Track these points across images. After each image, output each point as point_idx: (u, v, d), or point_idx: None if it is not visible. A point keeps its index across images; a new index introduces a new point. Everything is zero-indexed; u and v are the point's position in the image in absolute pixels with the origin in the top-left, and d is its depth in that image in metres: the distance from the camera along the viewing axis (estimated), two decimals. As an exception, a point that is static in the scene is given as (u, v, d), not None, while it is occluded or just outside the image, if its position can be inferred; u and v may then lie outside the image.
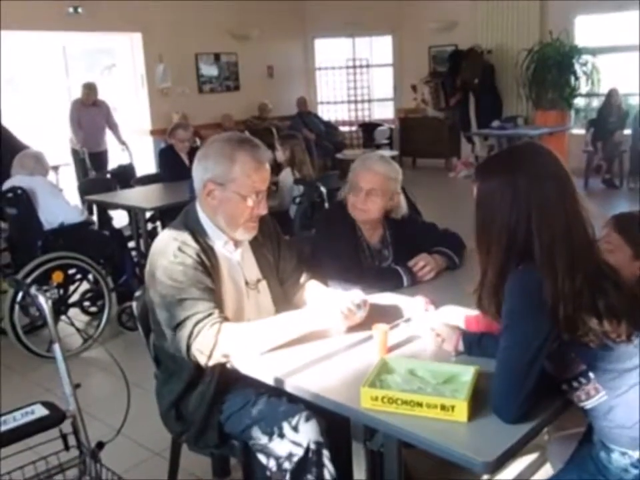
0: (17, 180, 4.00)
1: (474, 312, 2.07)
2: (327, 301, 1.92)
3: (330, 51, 11.33)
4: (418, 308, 2.07)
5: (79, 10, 7.69)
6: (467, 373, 1.55)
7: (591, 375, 1.48)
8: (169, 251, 1.90)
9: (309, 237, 2.72)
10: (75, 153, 7.51)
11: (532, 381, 1.41)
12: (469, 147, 10.17)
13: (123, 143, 7.73)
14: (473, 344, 1.75)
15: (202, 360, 1.82)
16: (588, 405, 1.52)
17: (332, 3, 10.10)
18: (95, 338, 4.04)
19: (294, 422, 1.85)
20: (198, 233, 1.98)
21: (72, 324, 4.00)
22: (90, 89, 7.48)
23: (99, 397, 3.46)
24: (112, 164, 7.63)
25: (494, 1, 9.46)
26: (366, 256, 2.55)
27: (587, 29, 9.19)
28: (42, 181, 4.05)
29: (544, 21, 9.23)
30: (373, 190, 2.45)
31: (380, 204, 2.49)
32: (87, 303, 4.42)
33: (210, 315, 1.83)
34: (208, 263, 1.93)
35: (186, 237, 1.94)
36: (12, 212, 3.91)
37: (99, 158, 7.59)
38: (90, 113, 7.51)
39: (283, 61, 10.43)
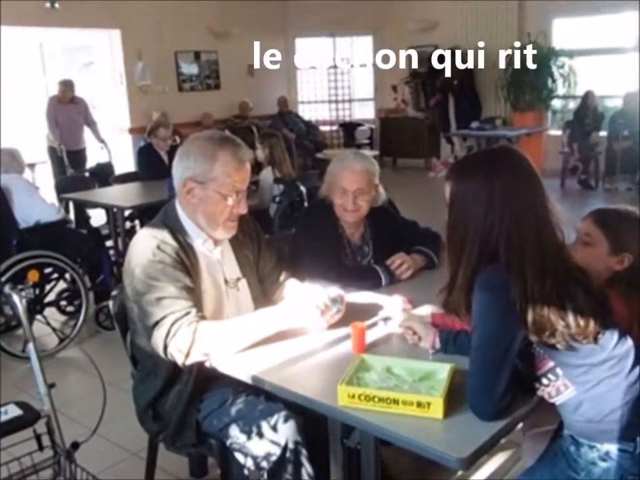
0: (-6, 177, 3.94)
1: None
2: (303, 296, 1.92)
3: (311, 50, 11.32)
4: (396, 307, 2.08)
5: (56, 5, 7.59)
6: (442, 371, 1.56)
7: (559, 371, 1.50)
8: (148, 249, 1.89)
9: (288, 236, 2.71)
10: (52, 150, 7.43)
11: (504, 379, 1.43)
12: (448, 147, 10.24)
13: (101, 140, 7.67)
14: (449, 342, 1.77)
15: (179, 359, 1.81)
16: (558, 400, 1.54)
17: (313, 2, 10.10)
18: (72, 338, 4.00)
19: (272, 421, 1.85)
20: (177, 231, 1.97)
21: (48, 323, 3.98)
22: (66, 85, 7.40)
23: (75, 397, 3.43)
24: (90, 162, 7.57)
25: (473, 2, 9.52)
26: (346, 253, 2.55)
27: (564, 32, 9.30)
28: (17, 178, 4.00)
29: (522, 24, 9.33)
30: (360, 189, 2.45)
31: (368, 199, 2.50)
32: (63, 303, 4.38)
33: (187, 313, 1.82)
34: (187, 262, 1.92)
35: (165, 235, 1.93)
36: (-14, 210, 3.85)
37: (77, 156, 7.51)
38: (67, 111, 7.42)
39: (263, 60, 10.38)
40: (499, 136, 8.90)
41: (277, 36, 10.51)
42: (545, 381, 1.53)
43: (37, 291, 4.03)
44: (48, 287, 4.18)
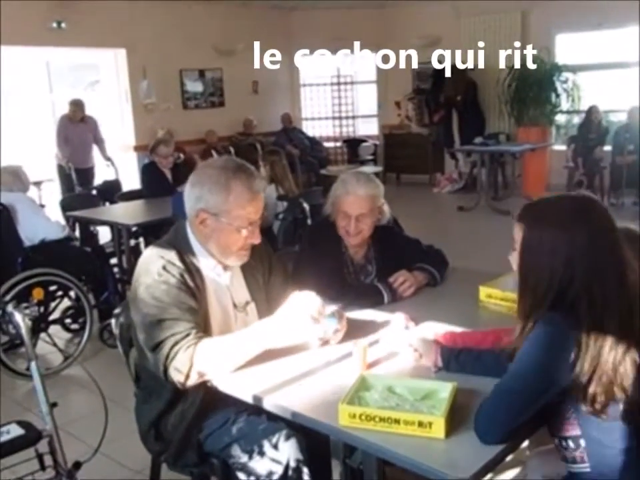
0: (-2, 195, 3.97)
1: (453, 328, 2.09)
2: (295, 305, 1.86)
3: (315, 67, 11.39)
4: (398, 324, 2.07)
5: (63, 25, 7.67)
6: (444, 390, 1.55)
7: (583, 443, 1.46)
8: (153, 269, 1.89)
9: (292, 253, 2.71)
10: (60, 168, 7.47)
11: (522, 419, 1.42)
12: (452, 162, 10.26)
13: (108, 158, 7.71)
14: (451, 360, 1.76)
15: (179, 380, 1.81)
16: (571, 469, 1.51)
17: (316, 18, 10.19)
18: (76, 356, 4.00)
19: (274, 440, 1.84)
20: (185, 252, 1.96)
21: (52, 341, 3.98)
22: (77, 105, 7.45)
23: (79, 416, 3.42)
24: (98, 180, 7.61)
25: (476, 18, 9.58)
26: (349, 272, 2.55)
27: (567, 47, 9.35)
28: (21, 197, 4.02)
29: (525, 39, 9.37)
30: (362, 214, 2.45)
31: (371, 223, 2.50)
32: (68, 320, 4.38)
33: (187, 335, 1.82)
34: (192, 284, 1.91)
35: (172, 255, 1.92)
36: (-8, 228, 3.87)
37: (86, 174, 7.56)
38: (77, 130, 7.47)
39: (267, 77, 10.46)
40: (503, 151, 8.92)
41: (281, 53, 10.56)
42: (563, 442, 1.49)
43: (42, 309, 4.04)
44: (53, 305, 4.20)
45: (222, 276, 2.03)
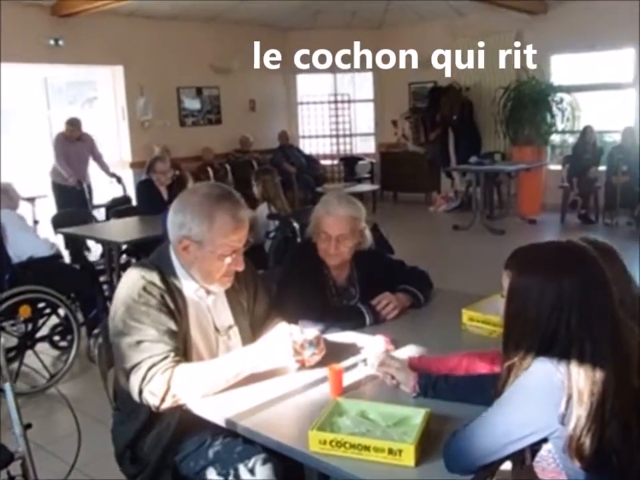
0: (-17, 213, 3.97)
1: (432, 352, 2.08)
2: (278, 337, 1.88)
3: (312, 85, 11.47)
4: (378, 348, 2.05)
5: (60, 42, 7.72)
6: (417, 416, 1.54)
7: None
8: (134, 289, 1.88)
9: (267, 275, 2.70)
10: (56, 186, 7.41)
11: (496, 457, 1.39)
12: (448, 181, 10.28)
13: (112, 174, 7.69)
14: (429, 388, 1.74)
15: (154, 403, 1.79)
16: None
17: (313, 38, 10.26)
18: (62, 374, 3.97)
19: (250, 464, 1.82)
20: (167, 274, 1.95)
21: (39, 359, 3.96)
22: (73, 125, 7.42)
23: (62, 435, 3.37)
24: (100, 197, 7.60)
25: (471, 39, 9.65)
26: (332, 294, 2.53)
27: (562, 68, 9.41)
28: (9, 214, 4.01)
29: (520, 60, 9.42)
30: (342, 235, 2.44)
31: (350, 245, 2.48)
32: (56, 337, 4.36)
33: (165, 358, 1.80)
34: (172, 306, 1.90)
35: (154, 276, 1.91)
36: (-21, 245, 3.87)
37: (83, 192, 7.53)
38: (75, 148, 7.45)
39: (265, 95, 10.53)
40: (498, 171, 8.94)
41: (277, 71, 10.64)
42: None
43: (30, 326, 4.02)
44: (40, 322, 4.17)
45: (204, 299, 2.02)
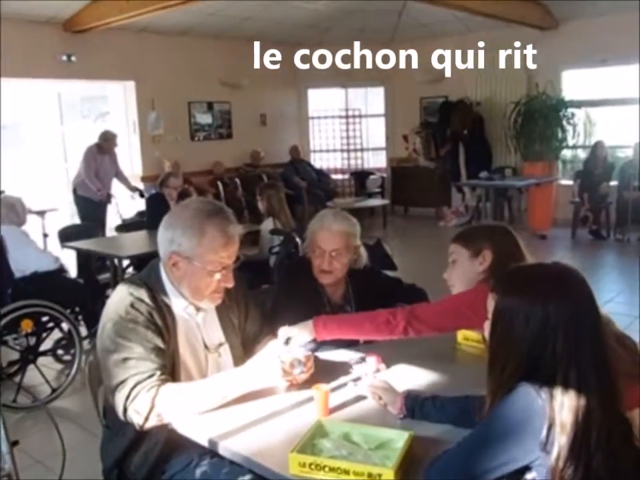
0: (-12, 227, 4.00)
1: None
2: (267, 358, 1.87)
3: (323, 100, 11.51)
4: (368, 367, 2.03)
5: (72, 58, 7.82)
6: (400, 439, 1.51)
7: None
8: (121, 306, 1.88)
9: (270, 290, 2.69)
10: (82, 199, 7.38)
11: None
12: (459, 196, 10.23)
13: (134, 189, 7.71)
14: (416, 409, 1.72)
15: (138, 422, 1.78)
16: None
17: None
18: (64, 388, 3.97)
19: (236, 485, 1.80)
20: (156, 290, 1.94)
21: (40, 373, 3.97)
22: (108, 138, 7.48)
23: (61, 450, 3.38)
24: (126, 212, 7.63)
25: (482, 54, 9.65)
26: (327, 312, 2.50)
27: (573, 83, 9.36)
28: (12, 230, 4.03)
29: (531, 75, 9.40)
30: (336, 250, 2.44)
31: (345, 262, 2.48)
32: (60, 351, 4.37)
33: (151, 376, 1.79)
34: (160, 323, 1.89)
35: (142, 293, 1.91)
36: (-17, 259, 3.89)
37: (103, 207, 7.56)
38: (104, 161, 7.49)
39: (276, 110, 10.58)
40: (508, 186, 8.89)
41: (289, 86, 10.71)
42: None
43: (32, 340, 4.03)
44: (44, 336, 4.18)
45: (194, 316, 2.01)
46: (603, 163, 8.38)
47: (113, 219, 7.57)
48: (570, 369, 1.31)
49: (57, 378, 4.28)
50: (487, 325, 1.46)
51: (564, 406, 1.28)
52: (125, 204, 7.89)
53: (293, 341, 1.93)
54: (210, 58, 9.30)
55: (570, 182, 8.99)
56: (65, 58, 7.78)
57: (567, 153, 9.61)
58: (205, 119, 9.68)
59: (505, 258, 1.98)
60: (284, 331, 1.98)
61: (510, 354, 1.36)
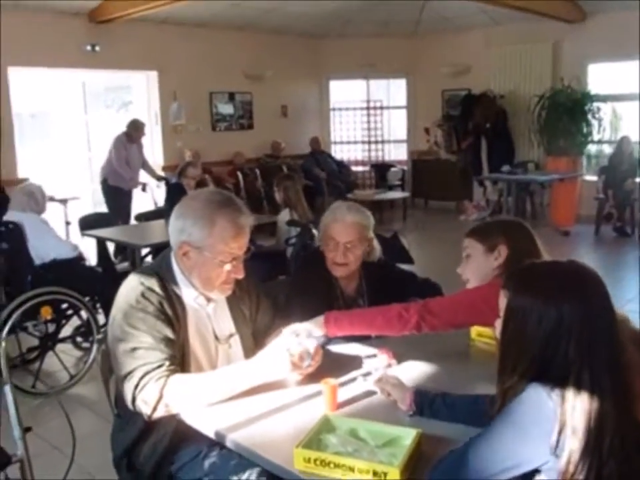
0: (10, 215, 4.05)
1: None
2: (276, 351, 1.86)
3: (345, 91, 11.46)
4: (380, 362, 2.02)
5: (97, 48, 7.87)
6: (408, 437, 1.49)
7: None
8: (132, 295, 1.88)
9: (284, 283, 2.68)
10: (112, 188, 7.33)
11: None
12: (480, 190, 10.13)
13: (160, 177, 7.69)
14: (425, 406, 1.70)
15: (146, 412, 1.79)
16: None
17: (347, 45, 10.27)
18: (82, 375, 4.02)
19: (244, 477, 1.79)
20: (167, 280, 1.94)
21: (59, 359, 4.02)
22: (138, 127, 7.49)
23: (80, 436, 3.40)
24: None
25: (507, 47, 9.54)
26: (340, 305, 2.50)
27: (599, 77, 9.19)
28: (32, 217, 4.08)
29: (556, 68, 9.27)
30: (351, 242, 2.42)
31: (359, 254, 2.46)
32: (79, 339, 4.42)
33: (160, 366, 1.80)
34: (171, 313, 1.89)
35: (153, 282, 1.91)
36: (4, 246, 3.94)
37: (129, 196, 7.57)
38: (132, 151, 7.51)
39: (297, 101, 10.55)
40: (530, 180, 8.78)
41: (310, 78, 10.68)
42: None
43: (52, 327, 4.08)
44: (63, 323, 4.24)
45: (204, 307, 2.01)
46: (629, 158, 8.23)
47: (145, 208, 7.53)
48: (583, 370, 1.27)
49: (76, 365, 4.33)
50: (498, 323, 1.43)
51: (576, 409, 1.25)
52: (156, 192, 7.92)
53: (302, 335, 1.92)
54: (232, 49, 9.29)
55: (594, 178, 8.84)
56: (89, 48, 7.83)
57: (591, 148, 9.44)
58: (226, 109, 9.69)
59: (520, 253, 1.95)
60: (294, 327, 1.97)
61: (521, 354, 1.33)
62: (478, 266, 2.04)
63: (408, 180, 11.00)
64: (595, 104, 8.78)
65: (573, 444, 1.25)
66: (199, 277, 1.94)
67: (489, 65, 9.78)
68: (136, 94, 9.22)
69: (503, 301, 1.41)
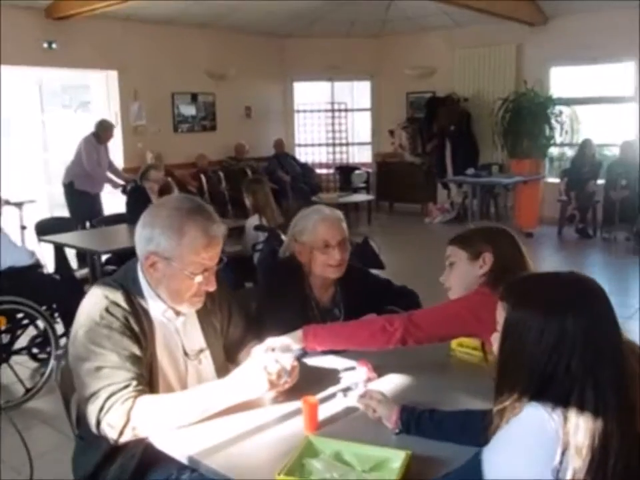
0: (-39, 221, 3.85)
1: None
2: (252, 368, 1.75)
3: (309, 93, 11.38)
4: (359, 376, 1.92)
5: (54, 46, 7.62)
6: (397, 459, 1.40)
7: None
8: (96, 310, 1.75)
9: (254, 291, 2.56)
10: (77, 192, 7.05)
11: None
12: (445, 192, 10.17)
13: (129, 180, 7.33)
14: (411, 424, 1.61)
15: (112, 436, 1.66)
16: None
17: (311, 46, 10.19)
18: (39, 387, 3.83)
19: (218, 502, 1.68)
20: (133, 293, 1.81)
21: (14, 372, 3.83)
22: (107, 127, 7.25)
23: (36, 453, 3.23)
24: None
25: (471, 50, 9.59)
26: (315, 315, 2.39)
27: (562, 80, 9.32)
28: (-18, 224, 3.89)
29: (519, 71, 9.35)
30: (343, 240, 2.36)
31: (349, 250, 2.39)
32: (35, 350, 4.22)
33: (126, 386, 1.67)
34: (137, 329, 1.77)
35: (117, 296, 1.78)
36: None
37: (99, 199, 7.31)
38: (102, 152, 7.26)
39: (261, 103, 10.42)
40: (495, 183, 8.84)
41: (275, 79, 10.57)
42: None
43: (6, 338, 3.89)
44: (18, 334, 4.04)
45: (173, 321, 1.88)
46: (591, 161, 8.34)
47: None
48: (587, 387, 1.20)
49: (32, 377, 4.14)
50: (496, 338, 1.34)
51: (579, 428, 1.17)
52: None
53: (279, 351, 1.81)
54: (195, 48, 9.13)
55: (557, 180, 8.95)
56: (46, 45, 7.57)
57: (554, 151, 9.57)
58: (188, 110, 9.51)
59: (506, 261, 1.89)
60: (271, 342, 1.86)
61: (520, 370, 1.25)
62: (462, 274, 1.97)
63: (373, 182, 10.97)
64: (558, 107, 8.88)
65: (577, 463, 1.17)
66: (167, 289, 1.81)
67: (453, 68, 9.83)
68: (95, 93, 8.97)
69: (500, 314, 1.32)
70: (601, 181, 8.33)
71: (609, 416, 1.18)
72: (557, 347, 1.21)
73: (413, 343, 1.89)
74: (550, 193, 8.90)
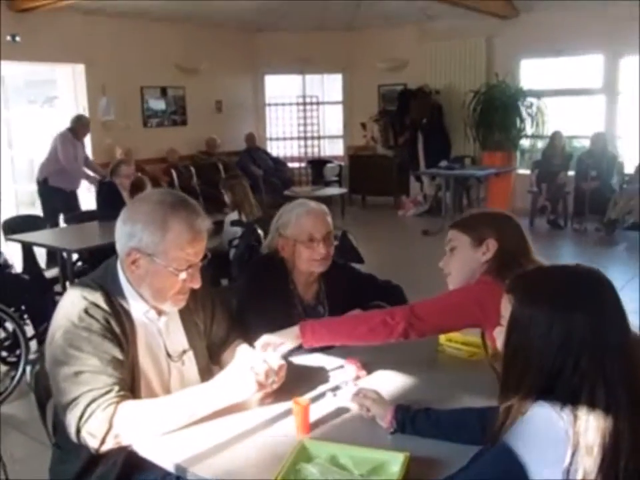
0: None
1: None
2: (239, 370, 1.69)
3: (280, 87, 11.28)
4: (348, 374, 1.87)
5: (17, 39, 7.37)
6: (395, 462, 1.35)
7: None
8: (74, 312, 1.66)
9: (232, 287, 2.49)
10: (52, 190, 6.82)
11: None
12: (417, 185, 10.17)
13: (105, 175, 7.26)
14: (406, 423, 1.56)
15: (93, 445, 1.58)
16: None
17: (282, 39, 10.09)
18: (9, 392, 3.70)
19: (205, 509, 1.61)
20: (113, 294, 1.73)
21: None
22: (84, 123, 7.06)
23: (8, 462, 3.12)
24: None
25: (442, 43, 9.59)
26: (299, 313, 2.32)
27: (531, 72, 9.38)
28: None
29: (490, 63, 9.39)
30: (329, 234, 2.31)
31: (334, 245, 2.34)
32: (4, 353, 4.08)
33: (108, 392, 1.59)
34: (118, 330, 1.69)
35: (97, 296, 1.69)
36: None
37: (75, 196, 7.12)
38: (78, 149, 7.05)
39: (232, 96, 10.29)
40: (467, 175, 8.86)
41: (245, 72, 10.45)
42: None
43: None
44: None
45: (155, 321, 1.81)
46: (561, 152, 8.41)
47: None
48: (597, 385, 1.15)
49: (1, 381, 3.99)
50: (500, 332, 1.29)
51: (589, 428, 1.13)
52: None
53: (269, 349, 1.75)
54: (165, 42, 8.95)
55: (528, 171, 9.01)
56: (9, 38, 7.30)
57: (524, 143, 9.63)
58: (158, 104, 9.34)
59: (510, 249, 1.83)
60: (265, 340, 1.79)
61: (527, 368, 1.20)
62: (463, 260, 1.90)
63: (345, 176, 10.91)
64: (528, 99, 8.94)
65: (588, 463, 1.13)
66: (150, 287, 1.73)
67: (425, 60, 9.81)
68: (61, 88, 8.74)
69: (506, 308, 1.27)
70: (571, 173, 8.41)
71: (620, 414, 1.14)
72: (565, 344, 1.17)
73: (416, 336, 1.83)
74: (521, 185, 8.97)
